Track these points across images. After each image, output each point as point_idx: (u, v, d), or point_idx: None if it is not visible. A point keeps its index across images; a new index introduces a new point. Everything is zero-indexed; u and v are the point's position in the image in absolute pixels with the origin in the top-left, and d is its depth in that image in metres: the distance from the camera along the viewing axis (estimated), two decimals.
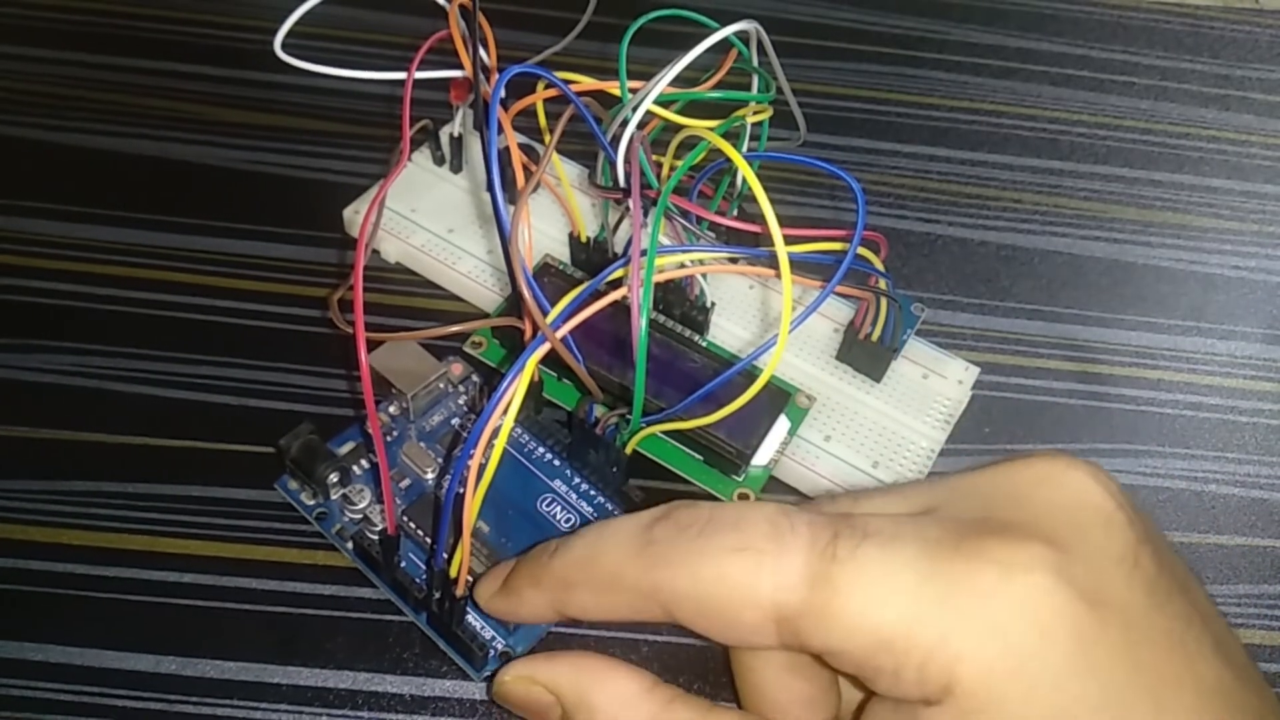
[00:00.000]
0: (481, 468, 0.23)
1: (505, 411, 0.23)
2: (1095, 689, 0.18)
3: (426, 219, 0.35)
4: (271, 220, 0.36)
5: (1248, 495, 0.32)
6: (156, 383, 0.31)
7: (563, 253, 0.34)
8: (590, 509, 0.29)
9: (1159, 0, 0.49)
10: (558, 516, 0.28)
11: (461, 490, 0.23)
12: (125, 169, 0.37)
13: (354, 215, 0.35)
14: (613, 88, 0.29)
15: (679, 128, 0.30)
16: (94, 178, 0.36)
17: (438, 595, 0.26)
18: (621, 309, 0.26)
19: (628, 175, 0.28)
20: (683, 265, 0.29)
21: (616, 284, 0.26)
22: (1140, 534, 0.19)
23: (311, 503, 0.28)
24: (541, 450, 0.30)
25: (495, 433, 0.23)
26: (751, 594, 0.19)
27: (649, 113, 0.28)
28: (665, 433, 0.29)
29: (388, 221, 0.34)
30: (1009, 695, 0.18)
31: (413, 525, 0.27)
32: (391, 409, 0.30)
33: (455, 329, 0.28)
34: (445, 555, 0.25)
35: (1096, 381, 0.34)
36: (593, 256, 0.33)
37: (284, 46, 0.32)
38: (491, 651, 0.26)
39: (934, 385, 0.32)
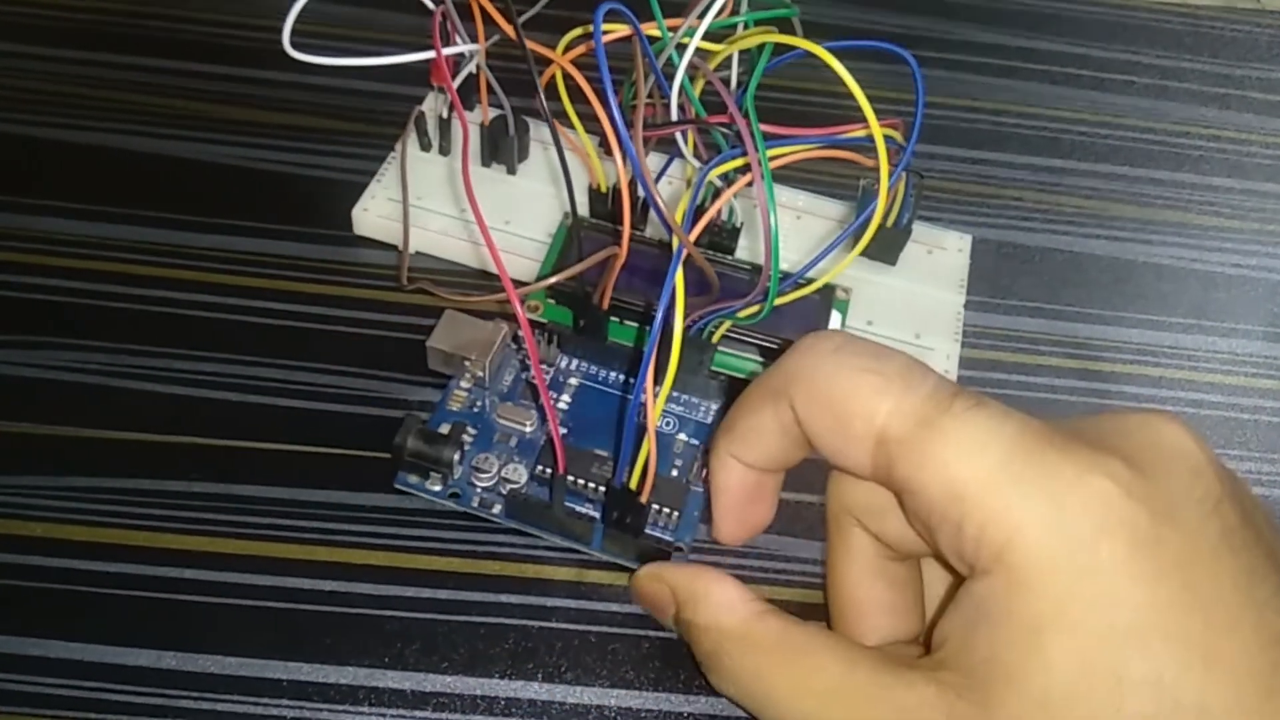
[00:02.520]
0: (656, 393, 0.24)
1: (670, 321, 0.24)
2: (1140, 594, 0.18)
3: (436, 204, 0.35)
4: (277, 218, 0.36)
5: None
6: (159, 379, 0.31)
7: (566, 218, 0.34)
8: (680, 408, 0.31)
9: (1159, 0, 0.49)
10: (643, 417, 0.30)
11: (644, 400, 0.24)
12: (131, 167, 0.37)
13: (362, 213, 0.35)
14: (650, 29, 0.30)
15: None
16: (101, 176, 0.36)
17: (616, 514, 0.27)
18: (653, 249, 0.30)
19: (680, 106, 0.30)
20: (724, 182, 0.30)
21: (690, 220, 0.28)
22: (1229, 490, 0.20)
23: (439, 488, 0.29)
24: (610, 374, 0.31)
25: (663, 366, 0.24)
26: (868, 409, 0.21)
27: (682, 47, 0.29)
28: (738, 346, 0.31)
29: (399, 213, 0.34)
30: (1054, 579, 0.19)
31: (549, 472, 0.28)
32: (464, 383, 0.31)
33: (576, 269, 0.28)
34: (627, 470, 0.26)
35: (1097, 379, 0.34)
36: (615, 207, 0.33)
37: (291, 43, 0.32)
38: (671, 554, 0.28)
39: (939, 258, 0.35)
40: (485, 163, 0.36)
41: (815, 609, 0.28)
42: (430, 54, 0.32)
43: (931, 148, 0.41)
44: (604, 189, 0.33)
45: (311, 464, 0.30)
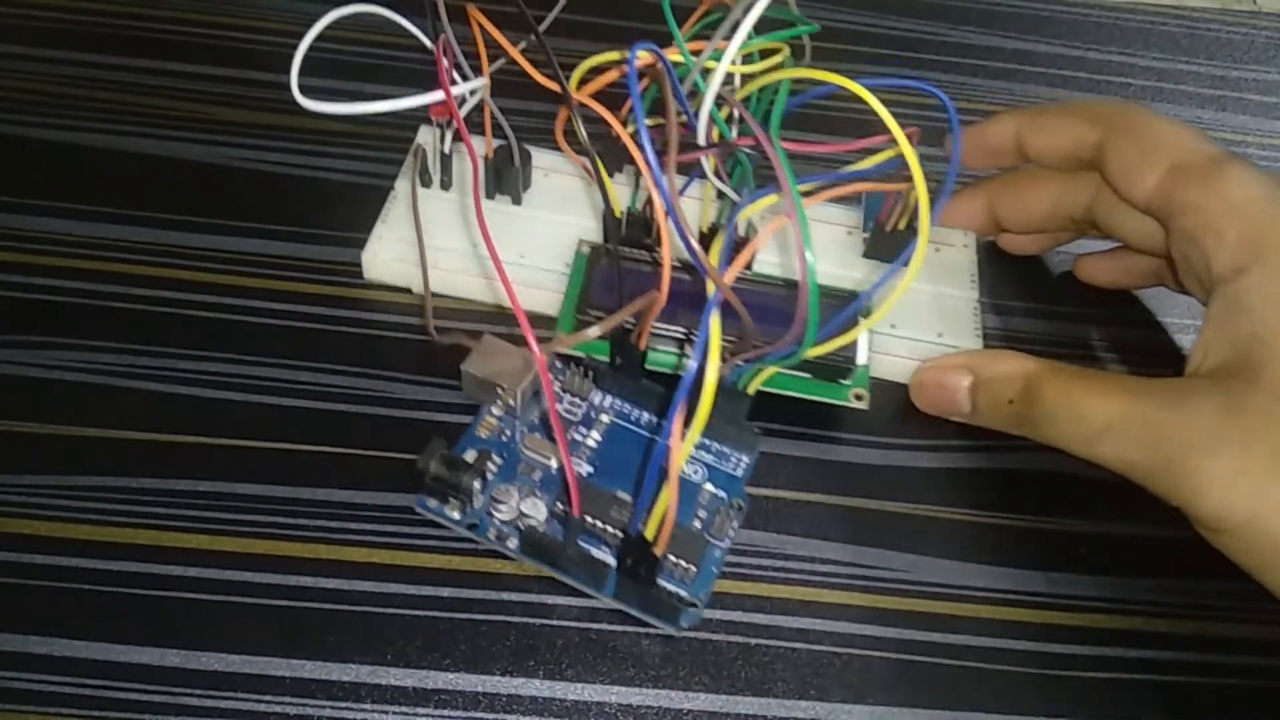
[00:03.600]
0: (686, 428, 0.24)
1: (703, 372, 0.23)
2: None
3: (444, 240, 0.34)
4: (278, 218, 0.36)
5: None
6: (162, 379, 0.31)
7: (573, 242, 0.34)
8: (711, 456, 0.30)
9: (1156, 2, 0.50)
10: (684, 470, 0.29)
11: (668, 444, 0.24)
12: (128, 167, 0.37)
13: (372, 258, 0.33)
14: (672, 53, 0.30)
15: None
16: (102, 177, 0.36)
17: (630, 561, 0.27)
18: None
19: (708, 131, 0.30)
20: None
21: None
22: None
23: (458, 516, 0.28)
24: (643, 414, 0.31)
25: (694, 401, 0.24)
26: (1174, 143, 0.29)
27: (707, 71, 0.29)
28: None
29: (409, 254, 0.33)
30: None
31: (566, 510, 0.28)
32: (494, 409, 0.30)
33: (617, 319, 0.27)
34: (643, 518, 0.26)
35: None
36: (632, 231, 0.33)
37: (301, 83, 0.31)
38: (684, 609, 0.27)
39: (947, 255, 0.36)
40: (489, 194, 0.35)
41: (817, 606, 0.28)
42: (438, 95, 0.31)
43: (930, 150, 0.41)
44: (618, 213, 0.33)
45: (313, 463, 0.30)
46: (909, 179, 0.31)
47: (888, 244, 0.34)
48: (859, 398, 0.31)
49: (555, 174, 0.36)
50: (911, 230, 0.34)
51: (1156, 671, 0.28)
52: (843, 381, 0.31)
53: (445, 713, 0.26)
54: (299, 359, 0.32)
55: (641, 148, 0.24)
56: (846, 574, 0.29)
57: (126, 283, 0.34)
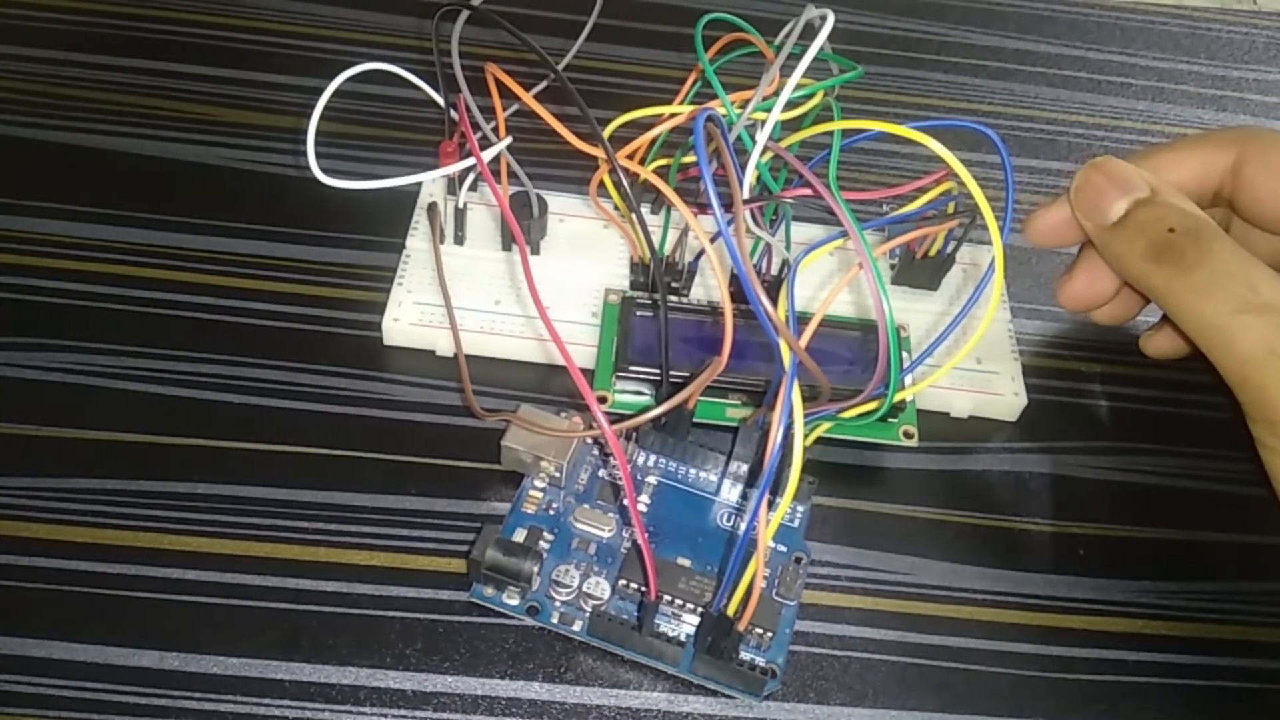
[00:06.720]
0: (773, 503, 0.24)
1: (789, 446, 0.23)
2: None
3: (465, 299, 0.33)
4: (272, 220, 0.36)
5: (1245, 493, 0.32)
6: (160, 381, 0.31)
7: (594, 291, 0.34)
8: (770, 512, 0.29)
9: (1156, 2, 0.50)
10: (741, 529, 0.28)
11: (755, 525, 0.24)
12: (126, 168, 0.37)
13: (393, 324, 0.32)
14: (715, 107, 0.30)
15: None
16: (95, 177, 0.36)
17: (710, 640, 0.26)
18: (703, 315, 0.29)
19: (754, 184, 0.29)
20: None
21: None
22: None
23: (516, 602, 0.27)
24: (691, 471, 0.30)
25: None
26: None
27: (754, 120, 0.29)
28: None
29: (434, 318, 0.32)
30: None
31: (633, 586, 0.27)
32: (537, 482, 0.29)
33: (681, 397, 0.27)
34: (726, 596, 0.25)
35: (1095, 380, 0.35)
36: (663, 276, 0.32)
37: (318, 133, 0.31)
38: (766, 676, 0.26)
39: (974, 275, 0.35)
40: (506, 246, 0.34)
41: (817, 609, 0.28)
42: (465, 164, 0.32)
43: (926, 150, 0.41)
44: (646, 261, 0.32)
45: (312, 465, 0.30)
46: (953, 216, 0.32)
47: (916, 270, 0.34)
48: (909, 435, 0.31)
49: (570, 219, 0.35)
50: (940, 258, 0.34)
51: (1157, 674, 0.28)
52: (892, 420, 0.31)
53: (444, 715, 0.26)
54: (298, 361, 0.32)
55: (711, 209, 0.23)
56: (846, 576, 0.29)
57: (123, 284, 0.33)
